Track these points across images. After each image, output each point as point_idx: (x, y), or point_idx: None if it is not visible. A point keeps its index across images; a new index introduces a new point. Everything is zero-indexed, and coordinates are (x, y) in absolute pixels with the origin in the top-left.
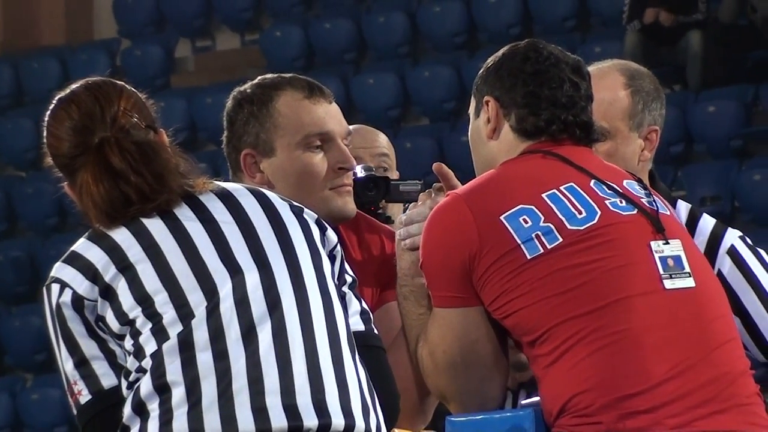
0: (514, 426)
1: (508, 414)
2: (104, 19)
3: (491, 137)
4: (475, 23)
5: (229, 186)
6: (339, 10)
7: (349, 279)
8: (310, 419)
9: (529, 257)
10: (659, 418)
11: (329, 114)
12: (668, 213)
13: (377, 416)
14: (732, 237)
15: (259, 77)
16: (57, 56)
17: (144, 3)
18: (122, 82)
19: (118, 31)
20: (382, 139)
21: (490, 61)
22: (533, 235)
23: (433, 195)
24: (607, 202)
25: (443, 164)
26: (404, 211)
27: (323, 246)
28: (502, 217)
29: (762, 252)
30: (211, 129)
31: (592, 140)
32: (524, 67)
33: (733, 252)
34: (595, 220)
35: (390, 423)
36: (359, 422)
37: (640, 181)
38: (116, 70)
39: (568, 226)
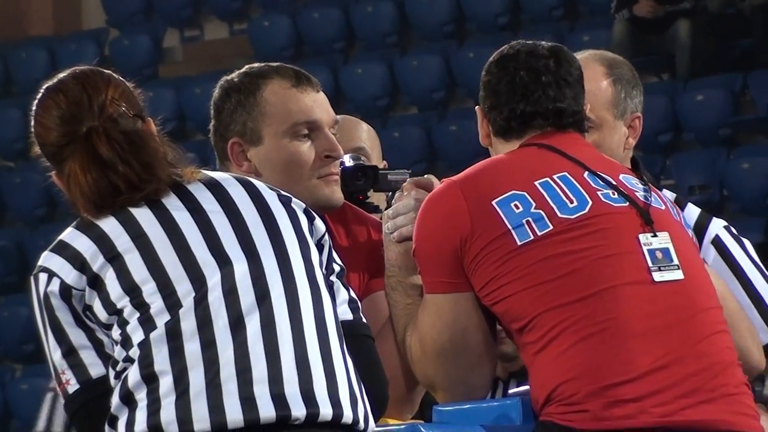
0: (501, 415)
1: (496, 403)
2: (92, 8)
3: (485, 143)
4: (464, 12)
5: (217, 175)
6: None
7: (337, 268)
8: (298, 409)
9: (519, 243)
10: (645, 406)
11: (316, 103)
12: (662, 207)
13: (365, 406)
14: (717, 227)
15: (246, 66)
16: (45, 46)
17: None
18: (110, 71)
19: (106, 20)
20: (362, 132)
21: None
22: (524, 221)
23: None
24: (599, 193)
25: None
26: (387, 202)
27: (311, 235)
28: (493, 202)
29: (746, 242)
30: (200, 119)
31: (568, 124)
32: (490, 69)
33: (717, 242)
34: (586, 210)
35: (379, 412)
36: (347, 412)
37: (641, 177)
38: (104, 60)
39: (559, 214)
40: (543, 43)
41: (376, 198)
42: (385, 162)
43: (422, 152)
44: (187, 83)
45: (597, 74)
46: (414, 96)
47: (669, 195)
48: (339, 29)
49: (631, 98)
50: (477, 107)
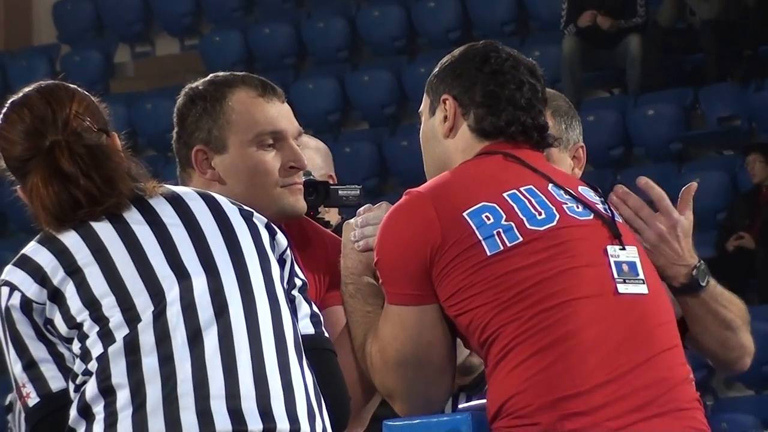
0: (451, 430)
1: (446, 418)
2: (43, 24)
3: (448, 135)
4: (415, 28)
5: (178, 189)
6: (278, 15)
7: (299, 282)
8: (254, 423)
9: (489, 254)
10: (598, 420)
11: (281, 113)
12: (621, 221)
13: (323, 421)
14: None
15: (211, 75)
16: None
17: (83, 9)
18: (75, 86)
19: (57, 36)
20: (308, 152)
21: (446, 59)
22: (494, 232)
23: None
24: (564, 206)
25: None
26: (340, 216)
27: (273, 250)
28: (465, 214)
29: None
30: (151, 134)
31: (547, 144)
32: (484, 66)
33: None
34: (554, 222)
35: (340, 426)
36: (304, 427)
37: (595, 188)
38: (56, 76)
39: (528, 226)
40: (523, 55)
41: (327, 214)
42: (331, 175)
43: (373, 167)
44: (138, 99)
45: None
46: (365, 111)
47: None
48: (290, 45)
49: (571, 129)
50: (446, 97)
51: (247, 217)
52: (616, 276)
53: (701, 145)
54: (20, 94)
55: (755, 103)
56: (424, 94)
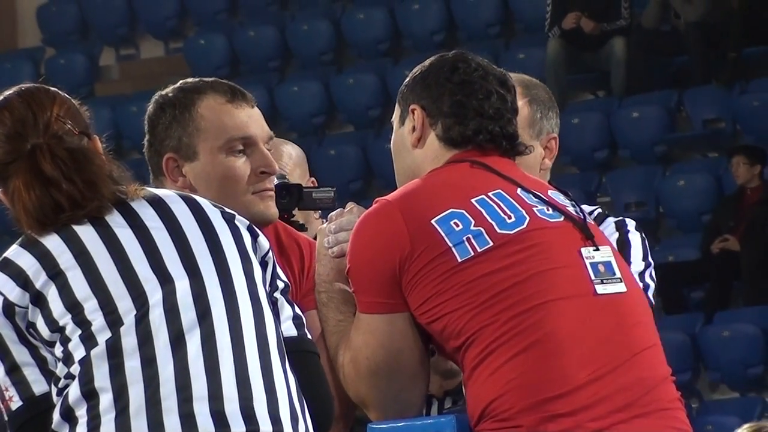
0: None
1: (430, 421)
2: (28, 27)
3: (416, 145)
4: (399, 30)
5: (160, 192)
6: (263, 17)
7: (281, 285)
8: (237, 426)
9: (460, 260)
10: (581, 421)
11: (252, 118)
12: (593, 222)
13: (306, 423)
14: (629, 222)
15: (181, 81)
16: None
17: (68, 11)
18: (56, 89)
19: (42, 39)
20: (285, 157)
21: (417, 69)
22: (464, 238)
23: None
24: (534, 209)
25: None
26: (322, 218)
27: (254, 252)
28: (433, 221)
29: (644, 237)
30: (136, 137)
31: (517, 152)
32: (452, 76)
33: (621, 225)
34: (525, 225)
35: (324, 428)
36: (287, 429)
37: (565, 192)
38: (40, 79)
39: (498, 230)
40: (493, 66)
41: (302, 216)
42: (313, 179)
43: (358, 170)
44: (123, 102)
45: None
46: (350, 114)
47: (588, 209)
48: (275, 47)
49: (547, 119)
50: (414, 107)
51: (230, 220)
52: (593, 277)
53: (686, 148)
54: (0, 98)
55: (740, 105)
56: (396, 104)
